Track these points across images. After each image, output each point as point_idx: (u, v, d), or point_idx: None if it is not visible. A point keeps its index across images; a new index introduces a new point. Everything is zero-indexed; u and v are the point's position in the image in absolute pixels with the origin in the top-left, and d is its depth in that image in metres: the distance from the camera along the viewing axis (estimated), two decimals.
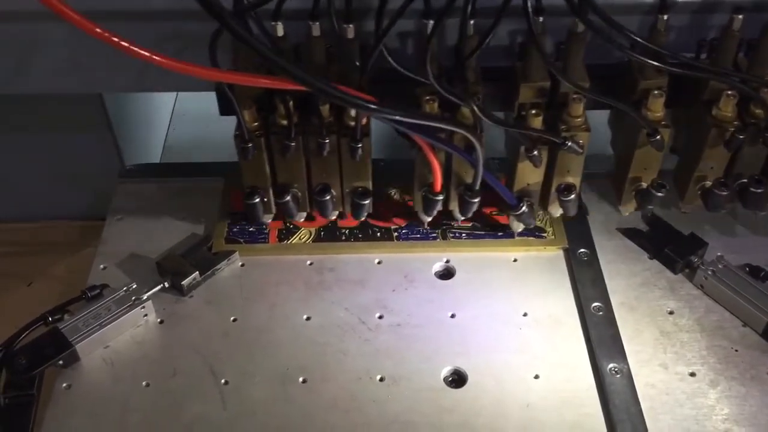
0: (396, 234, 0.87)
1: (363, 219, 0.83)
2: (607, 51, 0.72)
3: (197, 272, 0.81)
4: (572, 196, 0.78)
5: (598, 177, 0.88)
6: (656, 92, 0.71)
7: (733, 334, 0.77)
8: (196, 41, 0.67)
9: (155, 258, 0.83)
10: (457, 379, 0.74)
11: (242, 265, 0.85)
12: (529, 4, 0.65)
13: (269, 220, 0.84)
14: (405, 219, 0.88)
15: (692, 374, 0.74)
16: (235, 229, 0.87)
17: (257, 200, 0.79)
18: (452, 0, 0.65)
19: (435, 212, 0.80)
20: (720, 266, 0.80)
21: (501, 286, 0.82)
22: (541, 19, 0.67)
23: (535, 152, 0.73)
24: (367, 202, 0.79)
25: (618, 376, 0.73)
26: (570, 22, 0.68)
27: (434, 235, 0.87)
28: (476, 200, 0.77)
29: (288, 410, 0.72)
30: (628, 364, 0.74)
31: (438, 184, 0.76)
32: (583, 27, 0.67)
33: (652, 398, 0.72)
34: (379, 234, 0.87)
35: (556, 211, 0.82)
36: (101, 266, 0.84)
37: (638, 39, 0.65)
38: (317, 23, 0.68)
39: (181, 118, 1.16)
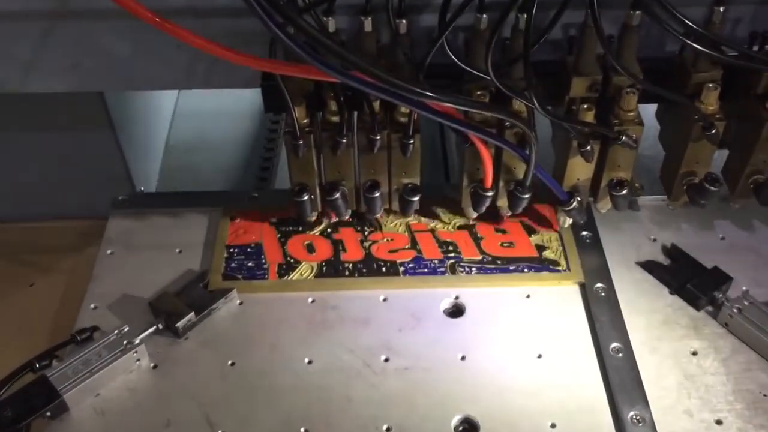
0: (402, 269, 0.83)
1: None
2: (657, 45, 0.73)
3: (193, 313, 0.77)
4: (624, 191, 0.77)
5: None
6: (711, 85, 0.71)
7: (761, 377, 0.73)
8: (242, 38, 0.67)
9: (148, 297, 0.79)
10: (468, 429, 0.70)
11: (240, 303, 0.81)
12: None
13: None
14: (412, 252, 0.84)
15: (718, 422, 0.70)
16: (233, 265, 0.83)
17: (306, 198, 0.78)
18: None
19: (484, 208, 0.81)
20: (746, 303, 0.76)
21: (513, 325, 0.78)
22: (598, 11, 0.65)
23: (588, 147, 0.73)
24: (416, 198, 0.79)
25: (640, 425, 0.69)
26: (623, 15, 0.68)
27: (442, 269, 0.82)
28: (527, 196, 0.77)
29: None
30: (650, 412, 0.70)
31: (489, 180, 0.76)
32: (638, 19, 0.67)
33: None
34: (384, 269, 0.83)
35: (605, 206, 0.81)
36: (92, 306, 0.80)
37: (697, 29, 0.64)
38: (369, 18, 0.68)
39: (182, 116, 1.14)
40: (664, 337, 0.76)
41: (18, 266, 0.91)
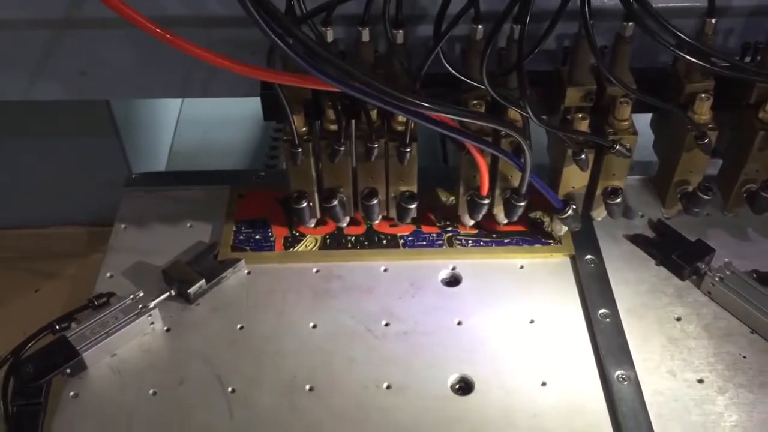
0: (402, 241, 0.87)
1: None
2: (651, 55, 0.74)
3: (203, 280, 0.81)
4: (618, 200, 0.78)
5: None
6: (703, 95, 0.71)
7: (741, 341, 0.77)
8: (240, 46, 0.69)
9: (161, 266, 0.83)
10: (464, 387, 0.74)
11: (248, 273, 0.85)
12: (586, 8, 0.64)
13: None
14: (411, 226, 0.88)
15: (700, 381, 0.74)
16: (241, 237, 0.87)
17: (305, 205, 0.79)
18: (512, 5, 0.65)
19: (480, 216, 0.82)
20: (728, 273, 0.80)
21: (507, 293, 0.82)
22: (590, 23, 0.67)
23: (582, 156, 0.74)
24: (413, 206, 0.80)
25: (626, 383, 0.73)
26: (617, 26, 0.69)
27: (440, 242, 0.87)
28: (523, 204, 0.78)
29: (295, 419, 0.72)
30: (635, 372, 0.74)
31: (485, 188, 0.77)
32: (631, 31, 0.68)
33: (660, 405, 0.71)
34: (385, 241, 0.87)
35: (600, 214, 0.82)
36: (108, 274, 0.84)
37: (690, 41, 0.65)
38: (367, 29, 0.69)
39: (186, 123, 1.16)
40: (649, 305, 0.80)
41: (23, 272, 0.93)
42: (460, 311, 0.80)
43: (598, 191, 0.79)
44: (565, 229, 0.85)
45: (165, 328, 0.79)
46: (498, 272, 0.84)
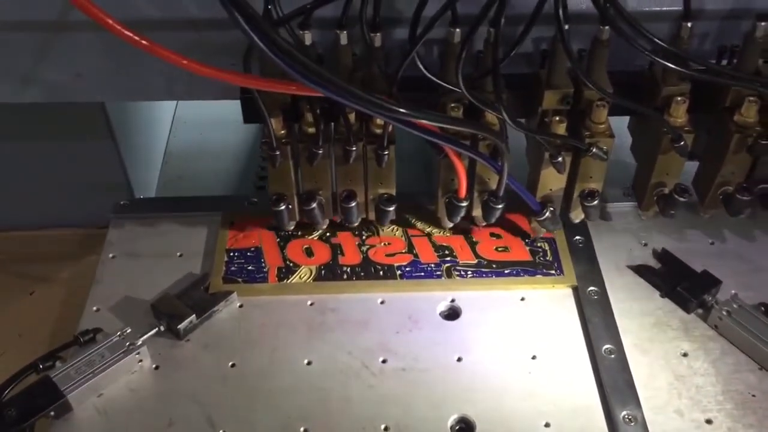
0: (399, 272, 0.84)
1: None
2: (628, 59, 0.74)
3: (194, 315, 0.78)
4: (595, 202, 0.79)
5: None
6: (679, 99, 0.72)
7: (749, 378, 0.75)
8: (217, 50, 0.69)
9: (150, 299, 0.80)
10: (465, 428, 0.72)
11: (240, 306, 0.82)
12: (560, 11, 0.65)
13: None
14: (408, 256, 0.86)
15: (708, 421, 0.71)
16: (233, 268, 0.84)
17: (283, 207, 0.79)
18: (487, 9, 0.65)
19: (459, 218, 0.83)
20: (735, 306, 0.78)
21: (508, 327, 0.80)
22: (566, 26, 0.67)
23: (560, 158, 0.74)
24: (392, 208, 0.80)
25: (632, 424, 0.70)
26: (595, 30, 0.70)
27: (439, 272, 0.84)
28: (500, 206, 0.79)
29: None
30: (642, 411, 0.71)
31: (463, 190, 0.78)
32: (607, 34, 0.69)
33: None
34: (381, 272, 0.84)
35: (578, 216, 0.83)
36: (94, 308, 0.81)
37: (664, 45, 0.66)
38: (345, 32, 0.69)
39: (181, 125, 1.15)
40: (655, 339, 0.78)
41: (18, 274, 0.92)
42: (459, 346, 0.78)
43: (576, 193, 0.80)
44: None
45: (153, 365, 0.76)
46: (498, 305, 0.82)
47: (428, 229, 0.88)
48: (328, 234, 0.88)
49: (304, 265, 0.85)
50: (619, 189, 0.90)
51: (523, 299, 0.82)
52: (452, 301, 0.82)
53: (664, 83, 0.73)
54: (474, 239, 0.87)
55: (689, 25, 0.69)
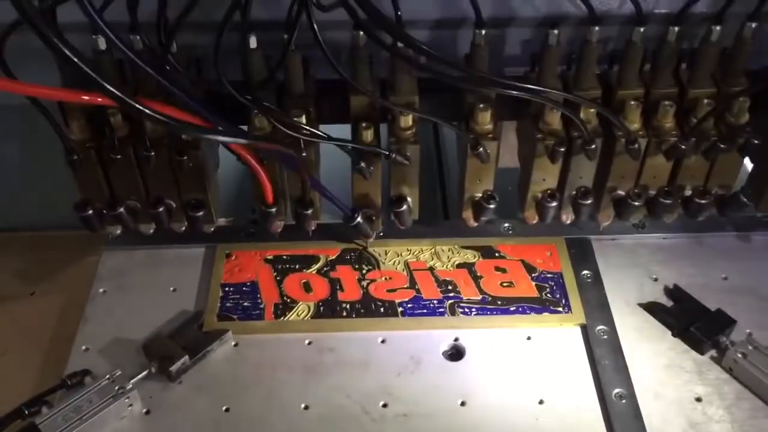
0: (401, 309, 0.81)
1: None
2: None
3: (187, 356, 0.75)
4: (404, 208, 0.79)
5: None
6: (481, 106, 0.74)
7: (766, 425, 0.71)
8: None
9: (141, 338, 0.77)
10: None
11: (235, 345, 0.79)
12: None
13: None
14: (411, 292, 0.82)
15: None
16: (228, 304, 0.81)
17: (90, 212, 0.78)
18: (299, 19, 0.65)
19: (275, 224, 0.81)
20: (750, 347, 0.75)
21: (514, 368, 0.76)
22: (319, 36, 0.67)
23: (363, 164, 0.75)
24: (200, 213, 0.79)
25: None
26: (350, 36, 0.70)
27: (442, 309, 0.81)
28: (309, 212, 0.78)
29: None
30: None
31: (269, 196, 0.77)
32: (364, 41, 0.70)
33: None
34: (382, 309, 0.81)
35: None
36: (83, 347, 0.78)
37: (433, 53, 0.66)
38: (138, 36, 0.69)
39: None
40: (667, 383, 0.75)
41: (18, 275, 0.91)
42: (463, 389, 0.75)
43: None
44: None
45: (144, 410, 0.73)
46: (504, 344, 0.78)
47: (431, 263, 0.85)
48: (327, 268, 0.85)
49: (302, 301, 0.82)
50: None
51: (529, 338, 0.79)
52: (456, 340, 0.79)
53: (468, 90, 0.75)
54: (478, 273, 0.84)
55: (483, 32, 0.70)
